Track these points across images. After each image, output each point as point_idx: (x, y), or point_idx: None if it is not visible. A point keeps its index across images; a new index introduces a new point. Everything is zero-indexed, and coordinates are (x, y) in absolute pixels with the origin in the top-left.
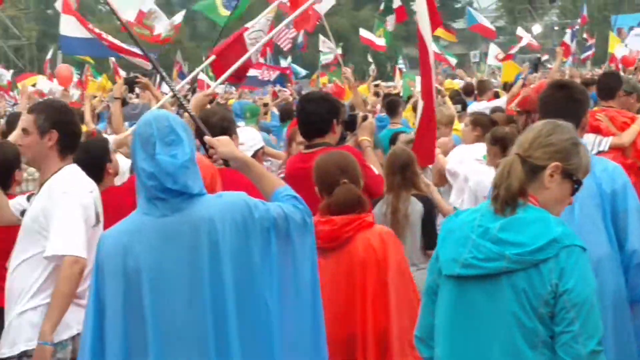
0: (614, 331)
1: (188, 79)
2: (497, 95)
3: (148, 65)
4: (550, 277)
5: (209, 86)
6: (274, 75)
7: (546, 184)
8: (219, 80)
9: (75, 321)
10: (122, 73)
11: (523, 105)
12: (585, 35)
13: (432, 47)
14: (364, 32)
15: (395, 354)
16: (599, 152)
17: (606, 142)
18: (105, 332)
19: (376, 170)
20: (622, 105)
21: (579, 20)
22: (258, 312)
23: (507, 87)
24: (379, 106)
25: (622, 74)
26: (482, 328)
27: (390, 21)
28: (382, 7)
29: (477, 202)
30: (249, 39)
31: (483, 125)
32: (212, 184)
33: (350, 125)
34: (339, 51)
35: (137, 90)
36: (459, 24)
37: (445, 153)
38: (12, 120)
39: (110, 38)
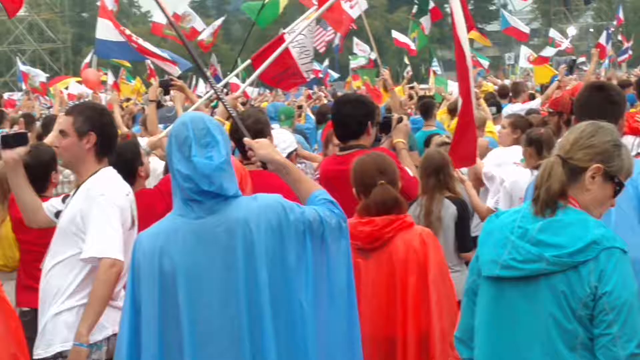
0: None
1: (224, 82)
2: (532, 97)
3: (175, 71)
4: (589, 279)
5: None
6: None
7: (587, 186)
8: (252, 77)
9: (110, 322)
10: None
11: (555, 106)
12: (620, 38)
13: (468, 48)
14: (396, 34)
15: (437, 356)
16: (637, 154)
17: None
18: (141, 333)
19: (411, 172)
20: None
21: (614, 22)
22: (293, 313)
23: (544, 89)
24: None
25: None
26: (521, 330)
27: (426, 23)
28: (414, 10)
29: (513, 203)
30: (292, 44)
31: (522, 128)
32: (241, 185)
33: (385, 127)
34: (373, 56)
35: (172, 92)
36: (494, 26)
37: (481, 155)
38: (48, 123)
39: (140, 41)
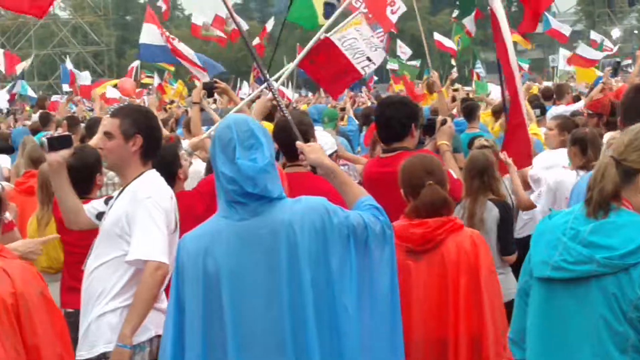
0: None
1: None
2: (578, 99)
3: (204, 77)
4: None
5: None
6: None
7: None
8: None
9: (153, 323)
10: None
11: (595, 108)
12: None
13: (513, 51)
14: (439, 37)
15: (491, 357)
16: None
17: None
18: (185, 334)
19: (455, 174)
20: None
21: None
22: (337, 316)
23: (590, 89)
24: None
25: None
26: (571, 331)
27: (470, 26)
28: (454, 15)
29: (555, 202)
30: (343, 47)
31: (569, 129)
32: None
33: (429, 129)
34: (417, 62)
35: (215, 95)
36: (537, 28)
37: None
38: (92, 125)
39: (175, 42)
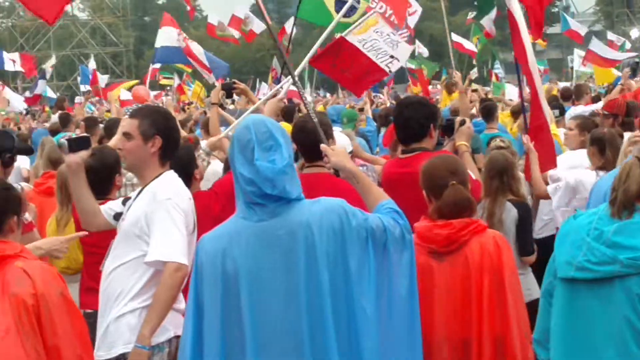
0: None
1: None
2: (597, 99)
3: (210, 78)
4: None
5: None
6: None
7: None
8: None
9: (172, 324)
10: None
11: (610, 109)
12: None
13: (532, 52)
14: (459, 39)
15: (518, 358)
16: None
17: None
18: (203, 334)
19: (474, 175)
20: None
21: None
22: (355, 318)
23: (609, 90)
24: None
25: None
26: (595, 331)
27: (489, 26)
28: (469, 16)
29: (571, 201)
30: (364, 49)
31: (589, 129)
32: None
33: (448, 130)
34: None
35: (234, 96)
36: (555, 29)
37: None
38: (111, 126)
39: (189, 42)
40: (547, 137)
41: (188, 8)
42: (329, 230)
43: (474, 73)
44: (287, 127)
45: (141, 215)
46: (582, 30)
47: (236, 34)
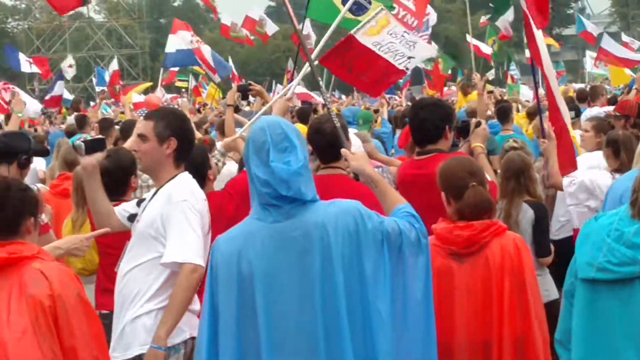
0: None
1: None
2: (614, 101)
3: (215, 78)
4: None
5: (309, 96)
6: None
7: None
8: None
9: (187, 325)
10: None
11: (622, 110)
12: None
13: (547, 55)
14: (477, 42)
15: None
16: None
17: None
18: (219, 335)
19: (489, 177)
20: None
21: None
22: (370, 321)
23: (626, 91)
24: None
25: None
26: (616, 332)
27: (504, 27)
28: (482, 19)
29: (584, 201)
30: (381, 52)
31: (605, 131)
32: None
33: (464, 131)
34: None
35: (250, 98)
36: (571, 30)
37: None
38: (127, 127)
39: (201, 45)
40: (566, 141)
41: (205, 9)
42: (344, 231)
43: (490, 74)
44: (303, 128)
45: (157, 217)
46: (596, 32)
47: (249, 35)
